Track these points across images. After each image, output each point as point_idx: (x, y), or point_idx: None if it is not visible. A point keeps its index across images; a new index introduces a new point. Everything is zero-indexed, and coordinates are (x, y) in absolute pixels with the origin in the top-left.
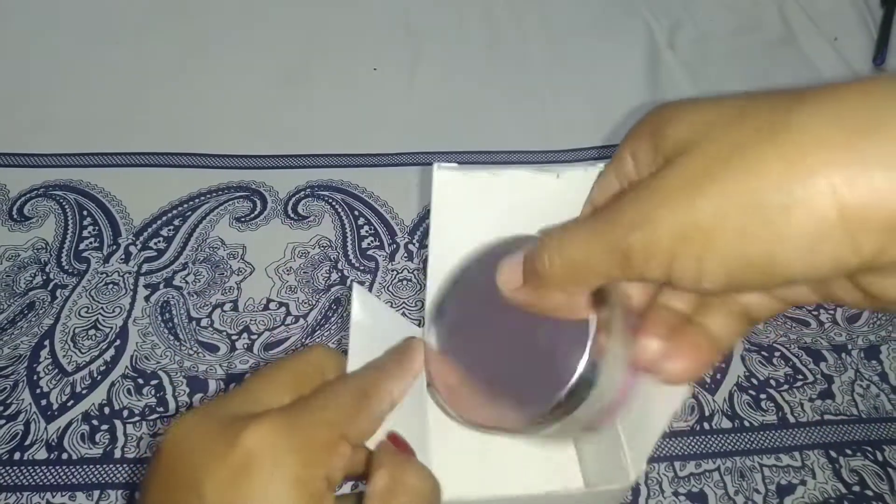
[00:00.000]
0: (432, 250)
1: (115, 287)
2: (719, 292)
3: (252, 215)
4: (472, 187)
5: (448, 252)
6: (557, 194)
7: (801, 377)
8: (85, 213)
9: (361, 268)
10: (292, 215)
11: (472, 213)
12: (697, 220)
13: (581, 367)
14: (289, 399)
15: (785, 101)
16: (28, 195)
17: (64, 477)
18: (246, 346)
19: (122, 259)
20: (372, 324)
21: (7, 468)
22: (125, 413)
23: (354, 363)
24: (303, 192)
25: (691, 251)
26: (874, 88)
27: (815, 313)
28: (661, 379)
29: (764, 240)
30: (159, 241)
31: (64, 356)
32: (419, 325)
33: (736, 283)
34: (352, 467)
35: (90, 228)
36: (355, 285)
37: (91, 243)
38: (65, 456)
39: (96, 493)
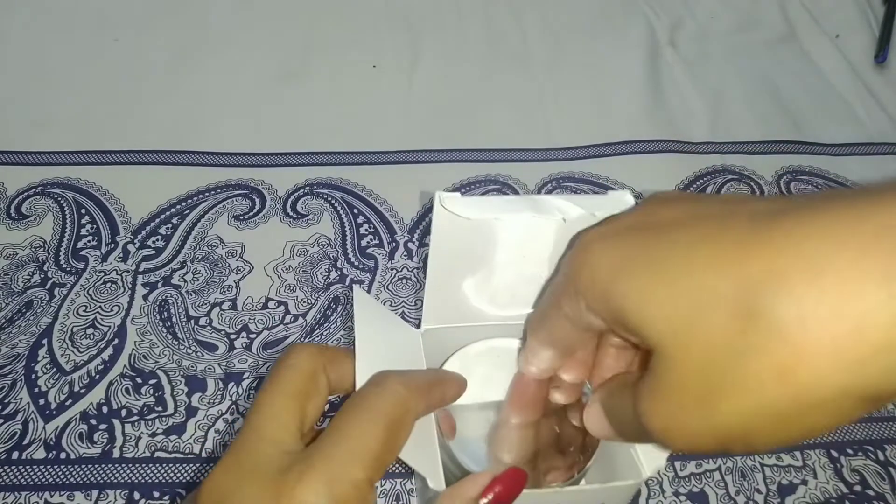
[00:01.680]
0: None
1: (114, 286)
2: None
3: (251, 213)
4: (473, 228)
5: (447, 279)
6: (562, 236)
7: None
8: (83, 211)
9: (361, 266)
10: (291, 213)
11: (471, 247)
12: (717, 434)
13: None
14: (295, 426)
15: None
16: (26, 193)
17: (62, 476)
18: (244, 345)
19: (120, 257)
20: (374, 327)
21: (5, 467)
22: (123, 412)
23: (362, 368)
24: (302, 191)
25: (714, 449)
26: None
27: None
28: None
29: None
30: (157, 240)
31: (62, 355)
32: (416, 327)
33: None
34: None
35: (88, 227)
36: (355, 288)
37: (89, 242)
38: (63, 455)
39: (94, 492)
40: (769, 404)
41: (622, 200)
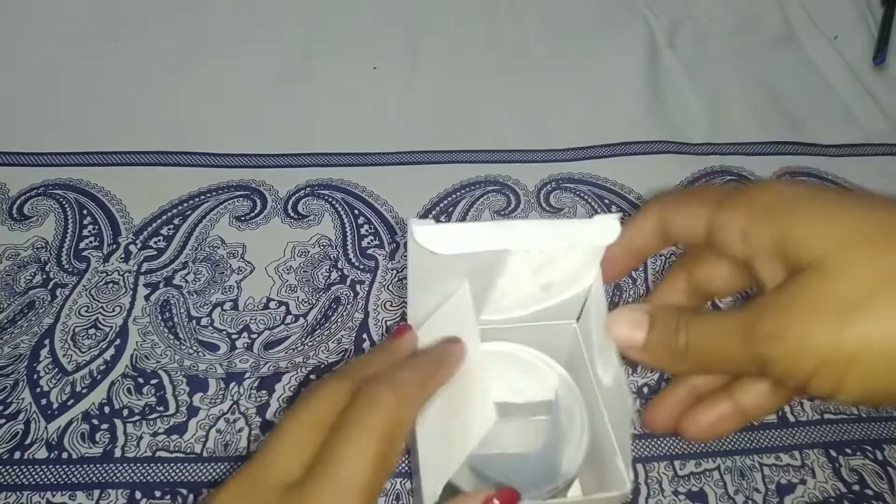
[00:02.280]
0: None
1: (115, 286)
2: (849, 404)
3: (252, 214)
4: (447, 261)
5: (426, 302)
6: (541, 268)
7: None
8: (85, 212)
9: (361, 267)
10: (292, 214)
11: (446, 279)
12: (843, 346)
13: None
14: (310, 457)
15: None
16: (28, 194)
17: (64, 476)
18: (246, 345)
19: (121, 258)
20: (425, 276)
21: (7, 467)
22: (125, 412)
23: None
24: (303, 191)
25: (833, 372)
26: None
27: None
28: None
29: None
30: (159, 240)
31: (64, 355)
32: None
33: (870, 400)
34: None
35: (90, 227)
36: (411, 225)
37: (91, 242)
38: (65, 455)
39: (96, 492)
40: None
41: (609, 227)
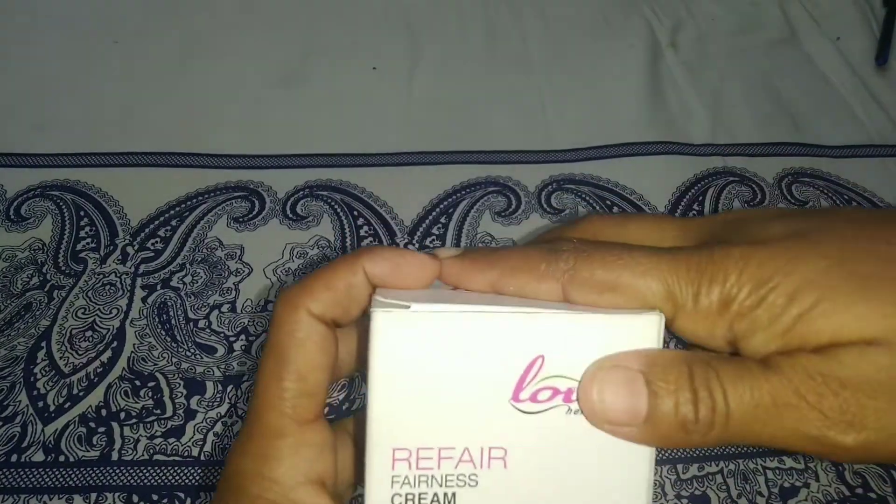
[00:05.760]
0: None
1: (113, 288)
2: None
3: (250, 215)
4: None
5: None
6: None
7: None
8: (82, 213)
9: None
10: (291, 215)
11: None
12: None
13: None
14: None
15: None
16: (25, 195)
17: (61, 479)
18: (244, 347)
19: (119, 260)
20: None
21: (3, 471)
22: (122, 415)
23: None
24: (301, 193)
25: None
26: None
27: None
28: None
29: None
30: (157, 242)
31: (61, 358)
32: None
33: None
34: None
35: (87, 229)
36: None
37: (88, 244)
38: (62, 458)
39: (93, 495)
40: None
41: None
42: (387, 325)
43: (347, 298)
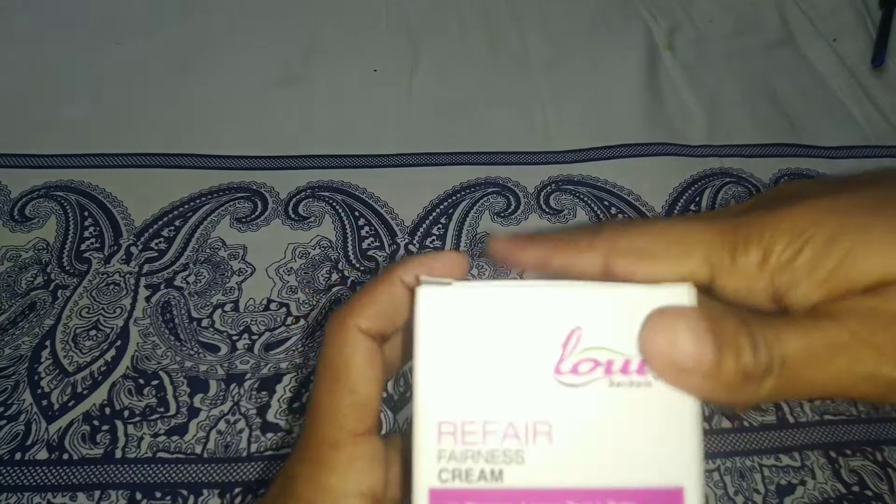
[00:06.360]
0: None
1: (116, 287)
2: None
3: (253, 216)
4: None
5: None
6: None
7: None
8: (86, 213)
9: (362, 268)
10: (293, 216)
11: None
12: None
13: None
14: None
15: None
16: (29, 196)
17: (65, 477)
18: (246, 346)
19: (123, 259)
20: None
21: (8, 468)
22: (126, 413)
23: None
24: (303, 193)
25: None
26: None
27: None
28: None
29: None
30: (160, 242)
31: (65, 356)
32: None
33: None
34: None
35: (91, 229)
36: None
37: (92, 244)
38: (66, 456)
39: (97, 492)
40: None
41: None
42: (431, 300)
43: (391, 308)
